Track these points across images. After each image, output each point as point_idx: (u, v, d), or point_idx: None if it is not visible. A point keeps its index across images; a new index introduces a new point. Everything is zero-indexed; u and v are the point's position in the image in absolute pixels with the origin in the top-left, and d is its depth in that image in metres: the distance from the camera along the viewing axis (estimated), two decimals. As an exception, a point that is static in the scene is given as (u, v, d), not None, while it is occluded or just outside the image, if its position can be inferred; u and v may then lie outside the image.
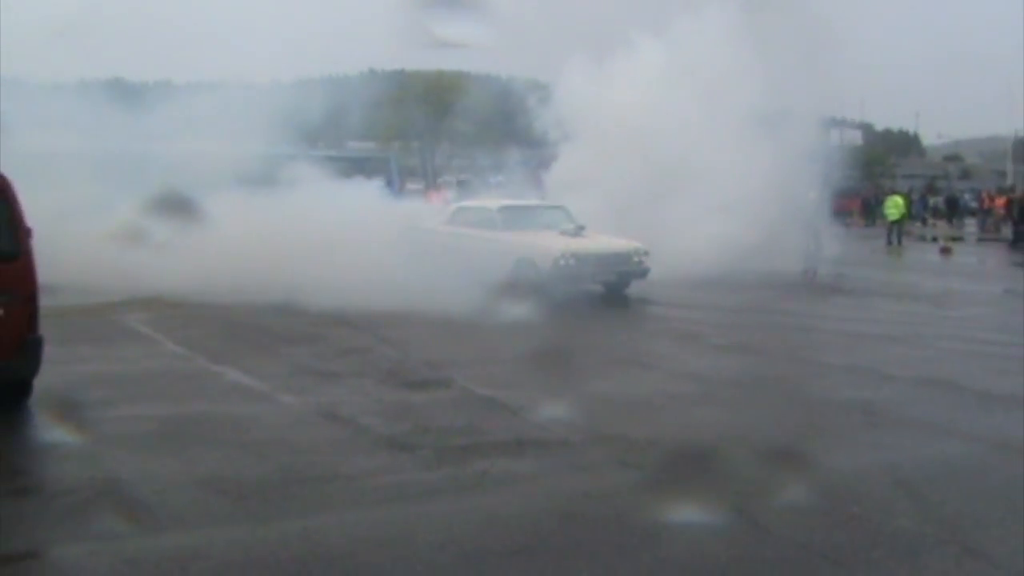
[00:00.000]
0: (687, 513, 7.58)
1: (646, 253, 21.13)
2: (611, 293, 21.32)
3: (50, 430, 9.62)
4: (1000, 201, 50.23)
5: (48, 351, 10.08)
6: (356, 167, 30.78)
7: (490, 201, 24.24)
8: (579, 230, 21.48)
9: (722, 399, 12.03)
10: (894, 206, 40.71)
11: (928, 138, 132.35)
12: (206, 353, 13.65)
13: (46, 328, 10.13)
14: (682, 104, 26.93)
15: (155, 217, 17.68)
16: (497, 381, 12.21)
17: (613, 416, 10.62)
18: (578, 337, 15.26)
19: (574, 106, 29.34)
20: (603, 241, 21.41)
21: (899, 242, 39.45)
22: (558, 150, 29.71)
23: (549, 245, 20.39)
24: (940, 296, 23.21)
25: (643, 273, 21.18)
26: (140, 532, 6.99)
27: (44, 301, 10.16)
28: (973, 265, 34.14)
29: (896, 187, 57.83)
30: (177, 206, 17.60)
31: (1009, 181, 66.17)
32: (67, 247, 16.93)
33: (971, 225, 54.83)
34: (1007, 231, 45.63)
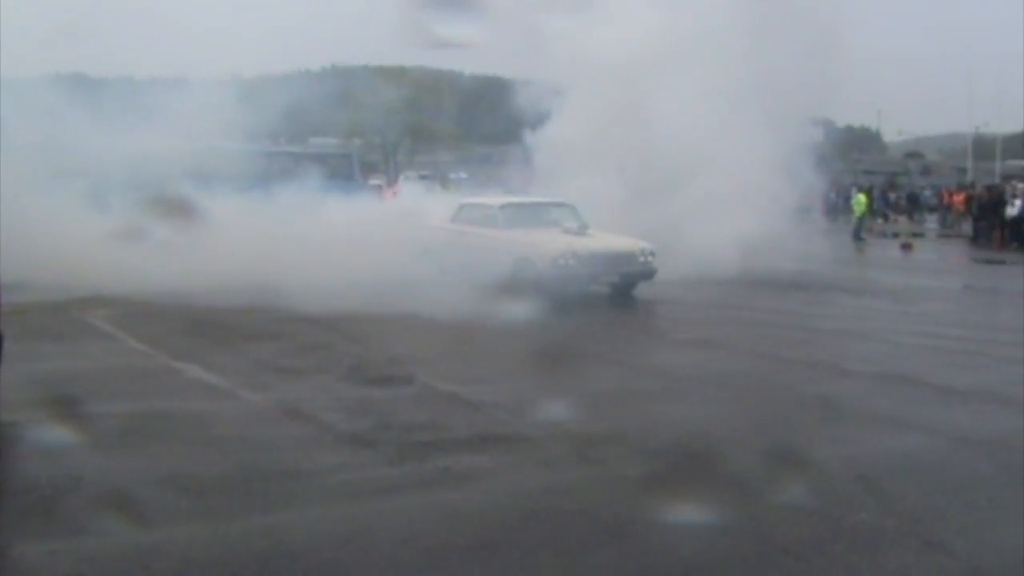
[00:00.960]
0: (649, 508, 7.60)
1: (652, 253, 20.50)
2: (617, 294, 20.72)
3: (9, 428, 9.55)
4: (960, 197, 50.49)
5: (8, 348, 10.01)
6: (317, 163, 30.64)
7: (493, 198, 23.79)
8: (582, 229, 20.98)
9: (684, 394, 12.07)
10: (858, 203, 41.19)
11: (889, 135, 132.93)
12: (168, 350, 13.58)
13: (5, 325, 10.06)
14: (677, 80, 26.67)
15: (116, 214, 17.63)
16: (460, 377, 12.20)
17: (575, 411, 10.60)
18: (545, 334, 15.23)
19: (566, 65, 29.04)
20: (606, 240, 20.79)
21: (861, 238, 39.82)
22: (529, 146, 29.56)
23: (548, 244, 19.91)
24: (901, 292, 23.33)
25: (649, 274, 20.52)
26: (101, 530, 6.93)
27: (3, 298, 10.10)
28: (933, 261, 34.31)
29: (858, 183, 58.03)
30: (149, 203, 17.51)
31: (969, 177, 66.53)
32: (27, 244, 16.79)
33: (932, 221, 55.13)
34: (967, 227, 45.91)
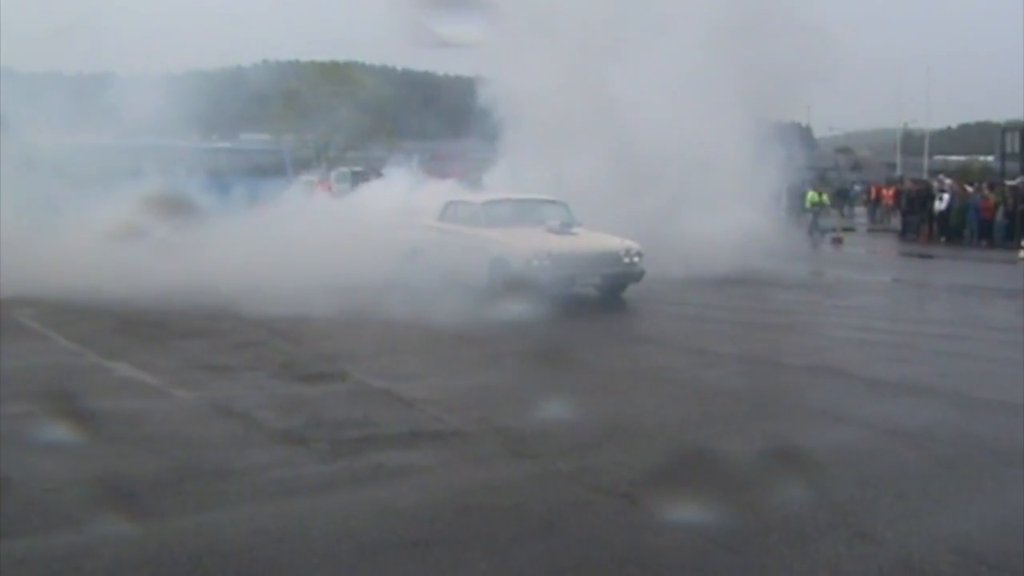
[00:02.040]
0: (581, 503, 7.64)
1: (639, 253, 19.51)
2: (604, 297, 19.75)
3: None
4: (889, 192, 50.97)
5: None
6: (249, 159, 30.45)
7: (478, 195, 22.88)
8: (565, 227, 20.02)
9: (616, 389, 12.12)
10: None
11: (820, 131, 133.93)
12: (98, 348, 13.47)
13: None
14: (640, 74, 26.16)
15: (46, 212, 17.46)
16: (392, 373, 12.20)
17: (508, 407, 10.65)
18: (483, 330, 15.22)
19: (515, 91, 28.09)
20: (588, 240, 19.86)
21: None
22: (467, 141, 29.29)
23: (524, 244, 18.97)
24: (832, 285, 23.56)
25: (636, 275, 19.58)
26: (31, 531, 6.86)
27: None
28: (863, 255, 34.62)
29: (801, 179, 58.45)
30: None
31: (898, 173, 67.18)
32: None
33: (861, 215, 55.61)
34: (896, 222, 46.38)
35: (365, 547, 6.70)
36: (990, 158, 75.33)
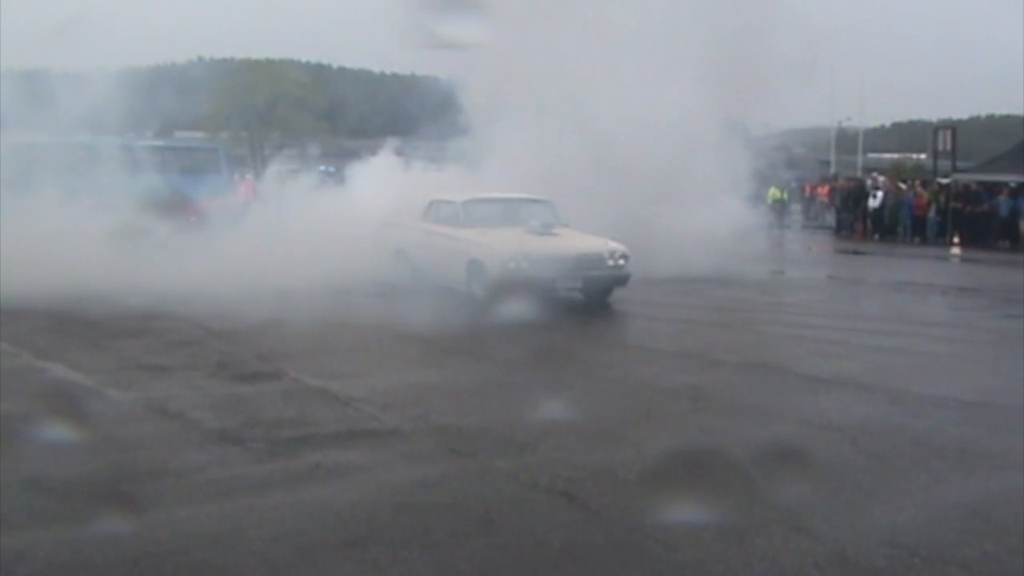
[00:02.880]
0: (519, 500, 7.65)
1: (624, 256, 18.59)
2: (590, 301, 18.96)
3: None
4: (824, 190, 51.34)
5: None
6: (184, 157, 30.26)
7: (459, 194, 21.19)
8: (547, 228, 19.18)
9: (552, 386, 12.09)
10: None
11: (755, 128, 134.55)
12: (32, 349, 13.34)
13: None
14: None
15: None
16: (329, 372, 12.16)
17: (445, 405, 10.65)
18: (421, 327, 15.18)
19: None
20: (570, 241, 18.96)
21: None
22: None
23: (500, 245, 18.14)
24: (767, 282, 23.69)
25: (621, 279, 18.74)
26: (-38, 535, 6.79)
27: None
28: (798, 252, 34.85)
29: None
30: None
31: (832, 170, 67.60)
32: None
33: (796, 213, 55.99)
34: (830, 219, 46.74)
35: (302, 547, 6.66)
36: (923, 156, 76.08)
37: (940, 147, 48.03)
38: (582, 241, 19.05)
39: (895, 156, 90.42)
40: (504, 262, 17.64)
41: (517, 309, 15.19)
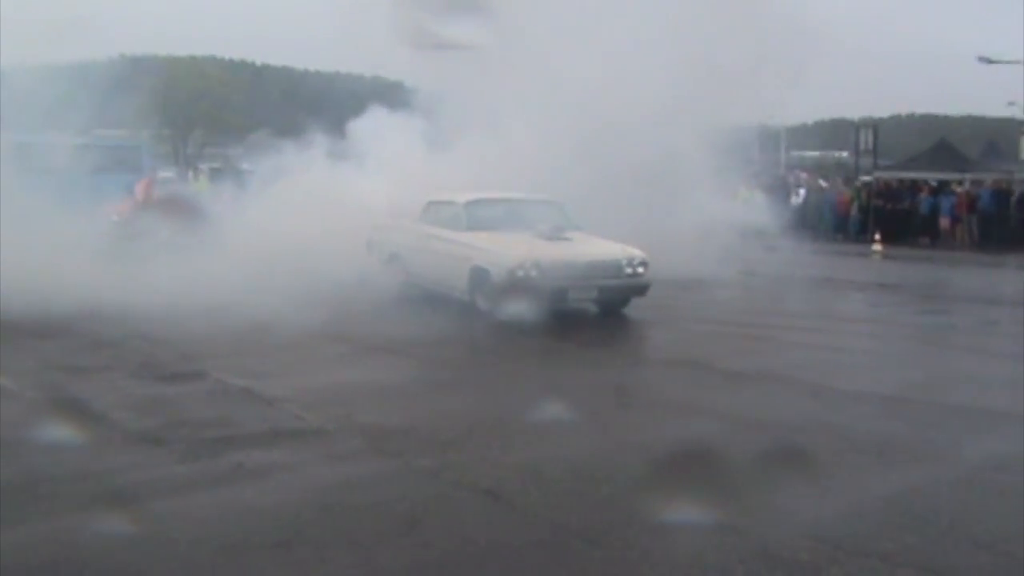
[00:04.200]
0: (444, 499, 7.64)
1: (643, 263, 17.04)
2: (605, 312, 17.52)
3: None
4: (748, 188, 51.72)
5: None
6: (106, 155, 29.92)
7: (460, 194, 19.33)
8: (557, 232, 17.59)
9: (476, 385, 12.14)
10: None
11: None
12: (-53, 350, 13.15)
13: None
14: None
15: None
16: (252, 372, 12.07)
17: (369, 404, 10.61)
18: (346, 325, 15.12)
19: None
20: (585, 247, 17.40)
21: None
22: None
23: (506, 251, 16.56)
24: (689, 279, 23.76)
25: (640, 288, 17.19)
26: None
27: None
28: (721, 250, 34.97)
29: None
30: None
31: (755, 168, 68.10)
32: None
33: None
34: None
35: (226, 548, 6.62)
36: (844, 154, 76.82)
37: (862, 145, 48.57)
38: (597, 247, 17.58)
39: (817, 154, 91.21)
40: (511, 270, 16.15)
41: (525, 322, 14.91)
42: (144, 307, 15.47)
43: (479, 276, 16.78)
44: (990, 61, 42.43)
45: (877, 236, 34.90)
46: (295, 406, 10.46)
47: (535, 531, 7.04)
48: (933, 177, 40.82)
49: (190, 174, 48.81)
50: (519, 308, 15.20)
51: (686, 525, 7.08)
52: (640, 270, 16.99)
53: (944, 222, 37.86)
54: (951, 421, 10.45)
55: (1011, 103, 54.06)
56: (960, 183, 41.34)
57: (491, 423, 9.96)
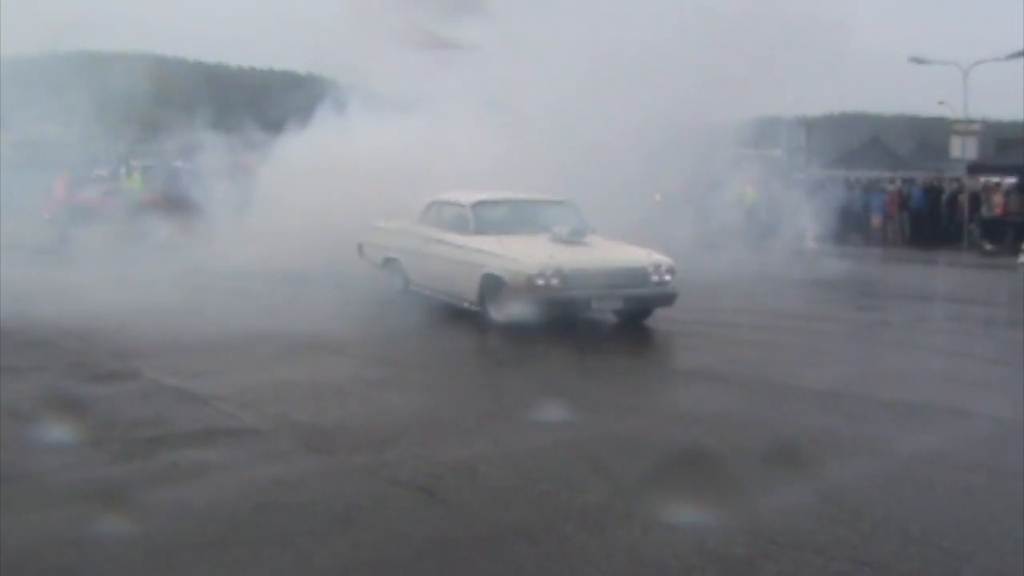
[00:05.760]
0: (379, 497, 7.62)
1: (671, 270, 15.78)
2: (625, 323, 16.19)
3: None
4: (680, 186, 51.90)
5: None
6: (36, 153, 29.70)
7: (465, 194, 17.84)
8: (576, 235, 16.21)
9: (411, 383, 12.11)
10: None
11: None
12: None
13: None
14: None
15: None
16: (185, 371, 11.99)
17: (304, 403, 10.56)
18: (281, 322, 15.04)
19: None
20: (608, 252, 16.16)
21: None
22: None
23: (524, 257, 15.23)
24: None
25: (667, 297, 15.80)
26: None
27: None
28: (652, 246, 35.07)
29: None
30: None
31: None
32: None
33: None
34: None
35: (160, 549, 6.57)
36: (777, 152, 77.31)
37: (794, 143, 48.94)
38: (621, 252, 16.35)
39: (754, 152, 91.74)
40: (531, 278, 14.85)
41: (545, 334, 14.29)
42: (78, 307, 15.34)
43: (492, 284, 15.53)
44: (921, 61, 42.76)
45: (810, 233, 35.12)
46: (229, 405, 10.41)
47: (471, 528, 7.04)
48: (865, 175, 41.19)
49: (123, 171, 48.11)
50: (538, 319, 14.43)
51: (622, 521, 7.11)
52: (667, 278, 15.75)
53: (876, 220, 38.20)
54: (884, 416, 10.54)
55: (942, 102, 54.56)
56: (892, 181, 41.77)
57: (426, 420, 9.96)
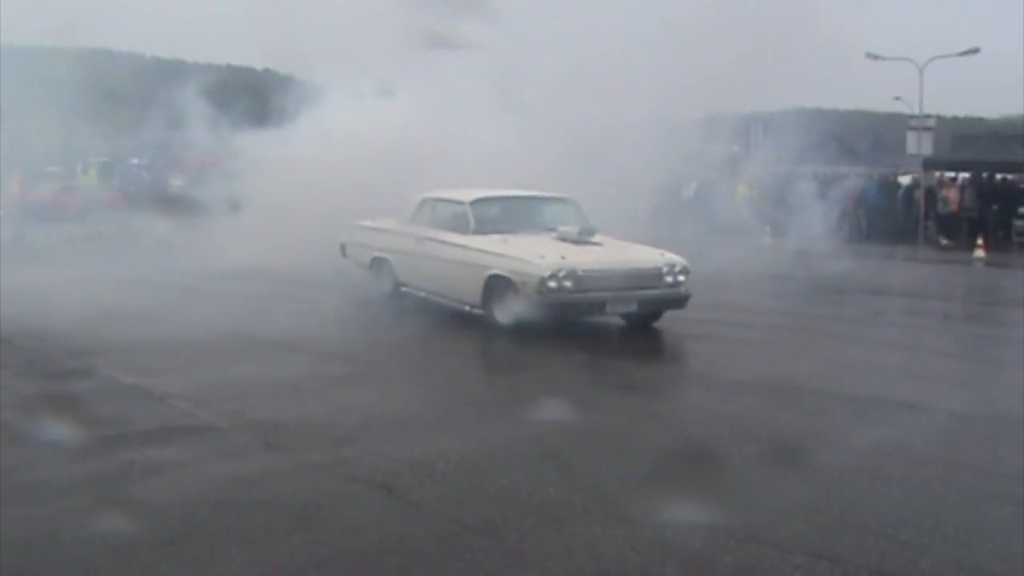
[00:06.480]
0: (338, 494, 7.61)
1: (684, 270, 15.18)
2: (635, 327, 15.52)
3: None
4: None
5: None
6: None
7: (463, 192, 17.07)
8: (585, 234, 15.54)
9: (370, 379, 12.09)
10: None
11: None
12: None
13: None
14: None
15: None
16: (142, 369, 11.91)
17: (261, 400, 10.53)
18: (236, 320, 14.97)
19: None
20: (619, 252, 15.50)
21: None
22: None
23: (535, 258, 14.49)
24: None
25: (679, 299, 15.21)
26: None
27: None
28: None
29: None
30: None
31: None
32: None
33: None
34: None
35: (118, 548, 6.54)
36: (734, 147, 77.50)
37: (754, 139, 49.07)
38: (633, 252, 15.71)
39: (703, 148, 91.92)
40: (543, 280, 14.18)
41: (553, 338, 14.01)
42: (34, 306, 15.22)
43: (499, 286, 14.78)
44: (877, 57, 42.94)
45: (768, 228, 35.21)
46: (186, 402, 10.36)
47: (430, 524, 7.04)
48: (822, 170, 41.37)
49: (79, 168, 47.80)
50: (549, 323, 14.21)
51: (581, 516, 7.13)
52: (681, 278, 15.16)
53: (834, 214, 38.35)
54: (840, 410, 10.61)
55: (898, 98, 54.89)
56: (847, 176, 41.96)
57: (385, 417, 9.94)
